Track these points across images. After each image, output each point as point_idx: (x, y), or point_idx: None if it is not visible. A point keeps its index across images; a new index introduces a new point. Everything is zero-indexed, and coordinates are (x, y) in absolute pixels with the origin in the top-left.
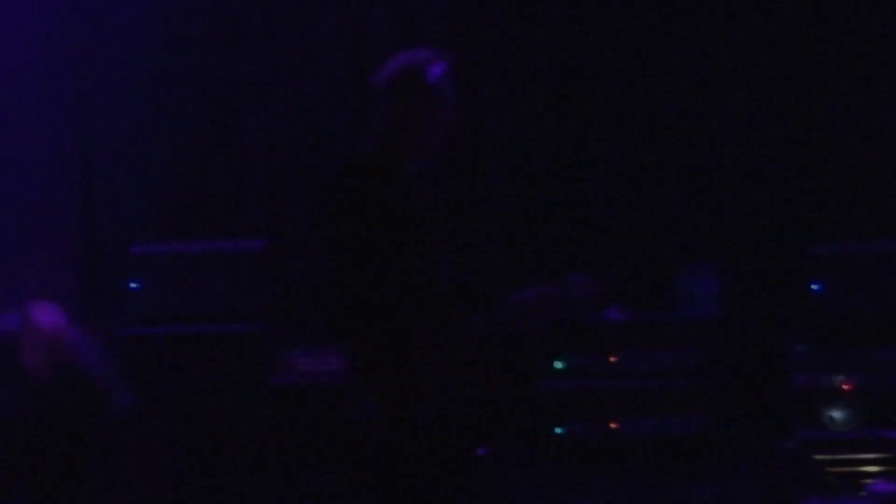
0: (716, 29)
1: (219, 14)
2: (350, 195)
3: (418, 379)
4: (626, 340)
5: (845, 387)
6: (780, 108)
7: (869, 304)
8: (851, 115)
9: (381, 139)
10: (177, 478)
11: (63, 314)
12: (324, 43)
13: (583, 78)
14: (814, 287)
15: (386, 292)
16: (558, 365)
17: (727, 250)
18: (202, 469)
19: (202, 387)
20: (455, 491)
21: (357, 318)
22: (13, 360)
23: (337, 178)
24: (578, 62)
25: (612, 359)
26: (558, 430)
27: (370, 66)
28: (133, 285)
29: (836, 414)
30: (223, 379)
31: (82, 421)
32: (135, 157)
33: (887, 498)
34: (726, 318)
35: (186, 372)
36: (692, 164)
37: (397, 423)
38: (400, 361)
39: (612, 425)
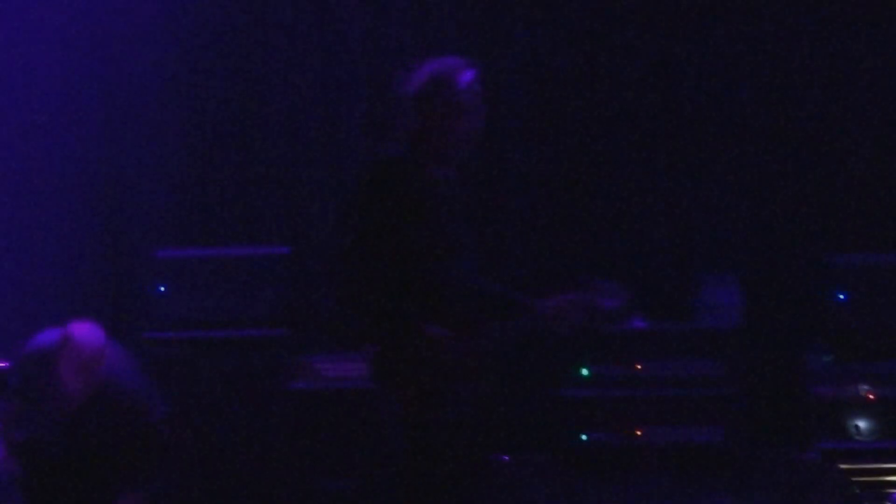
0: (737, 35)
1: (242, 19)
2: (376, 198)
3: (439, 382)
4: (649, 350)
5: (870, 396)
6: (803, 116)
7: (891, 314)
8: (876, 124)
9: (409, 145)
10: (197, 481)
11: (103, 332)
12: (346, 48)
13: (606, 84)
14: (837, 297)
15: (407, 295)
16: (584, 372)
17: (750, 261)
18: (222, 473)
19: (225, 391)
20: (476, 495)
21: (379, 321)
22: (48, 379)
23: (364, 181)
24: (600, 67)
25: (638, 367)
26: (583, 438)
27: (393, 72)
28: (160, 289)
29: (861, 424)
30: (246, 383)
31: (121, 442)
32: (161, 161)
33: None
34: (748, 328)
35: (210, 375)
36: (715, 173)
37: (420, 426)
38: (421, 364)
39: (637, 433)
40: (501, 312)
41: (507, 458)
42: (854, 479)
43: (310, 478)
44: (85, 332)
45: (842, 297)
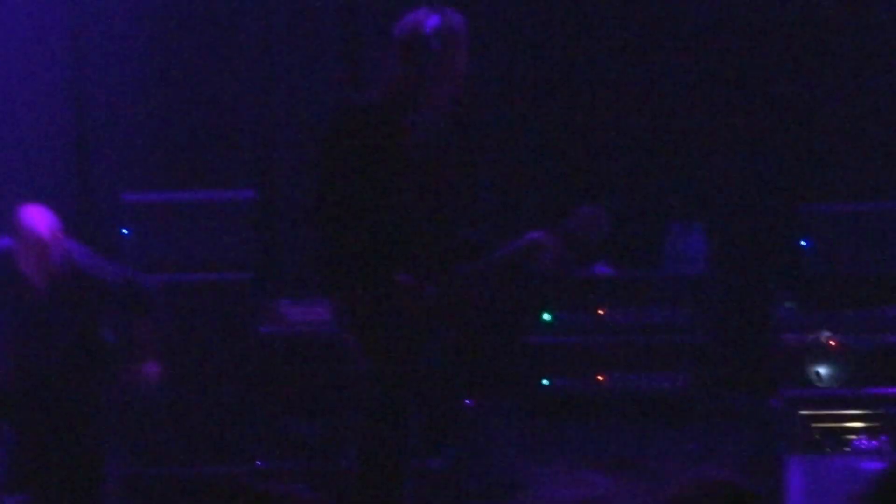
0: None
1: None
2: (337, 146)
3: (406, 330)
4: (614, 296)
5: (832, 343)
6: (770, 66)
7: (857, 262)
8: (841, 74)
9: (386, 89)
10: (165, 425)
11: (55, 217)
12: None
13: (576, 43)
14: (802, 245)
15: (373, 243)
16: (546, 318)
17: (716, 209)
18: (190, 416)
19: (192, 334)
20: (439, 439)
21: (345, 270)
22: (12, 274)
23: (328, 129)
24: (573, 31)
25: (600, 312)
26: (545, 383)
27: (363, 21)
28: (125, 232)
29: (823, 370)
30: (213, 327)
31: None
32: (128, 105)
33: (871, 454)
34: (714, 275)
35: (177, 319)
36: (682, 122)
37: (380, 372)
38: (380, 310)
39: (599, 379)
40: (471, 256)
41: (470, 403)
42: (816, 425)
43: (277, 421)
44: (37, 215)
45: (805, 244)
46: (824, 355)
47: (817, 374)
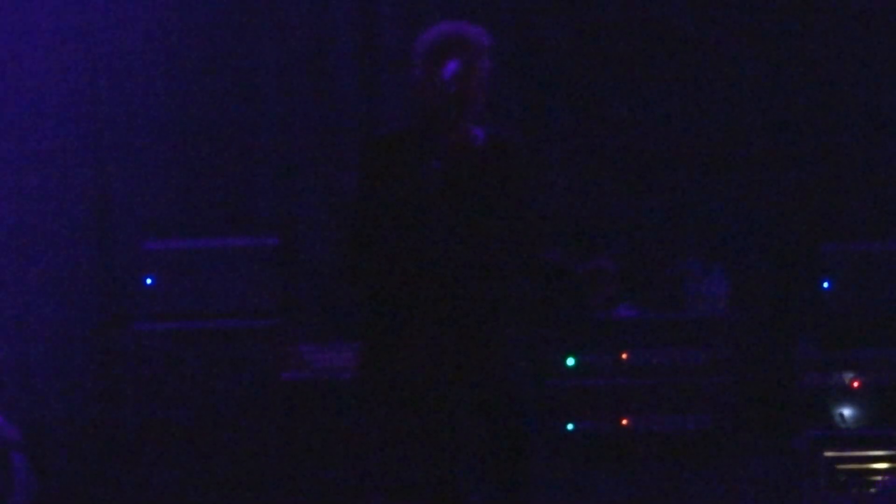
0: (724, 23)
1: (232, 9)
2: (360, 172)
3: (390, 356)
4: (637, 338)
5: (855, 384)
6: (792, 103)
7: (878, 302)
8: (864, 112)
9: (420, 116)
10: (189, 472)
11: None
12: (337, 39)
13: (592, 69)
14: (824, 285)
15: (378, 264)
16: (570, 362)
17: (736, 249)
18: (214, 463)
19: (215, 382)
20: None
21: (355, 288)
22: None
23: (358, 162)
24: (589, 53)
25: (623, 356)
26: (569, 427)
27: (383, 60)
28: (148, 281)
29: (846, 411)
30: (236, 374)
31: None
32: (150, 152)
33: None
34: (736, 316)
35: (200, 367)
36: (703, 160)
37: (371, 399)
38: (377, 335)
39: (624, 422)
40: (553, 278)
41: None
42: (840, 466)
43: (302, 468)
44: None
45: (826, 284)
46: (847, 396)
47: (841, 415)
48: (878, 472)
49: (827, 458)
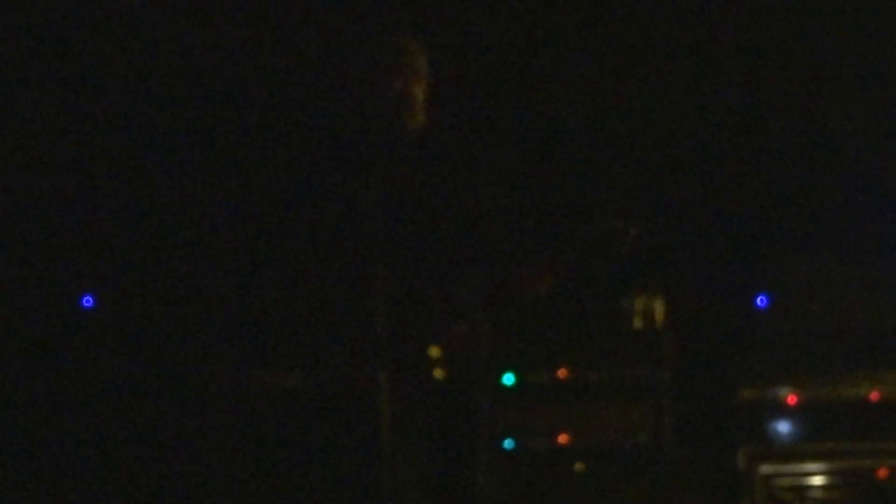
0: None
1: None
2: None
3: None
4: (577, 355)
5: (790, 401)
6: (727, 118)
7: (816, 318)
8: (800, 129)
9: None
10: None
11: None
12: None
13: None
14: (761, 300)
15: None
16: (508, 379)
17: (676, 265)
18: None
19: None
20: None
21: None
22: None
23: None
24: (547, 71)
25: (560, 374)
26: (507, 445)
27: None
28: None
29: (782, 426)
30: None
31: None
32: None
33: None
34: (672, 332)
35: None
36: (645, 175)
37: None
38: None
39: (561, 440)
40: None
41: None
42: (777, 482)
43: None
44: None
45: (763, 300)
46: (784, 411)
47: (776, 430)
48: (814, 487)
49: (763, 474)
